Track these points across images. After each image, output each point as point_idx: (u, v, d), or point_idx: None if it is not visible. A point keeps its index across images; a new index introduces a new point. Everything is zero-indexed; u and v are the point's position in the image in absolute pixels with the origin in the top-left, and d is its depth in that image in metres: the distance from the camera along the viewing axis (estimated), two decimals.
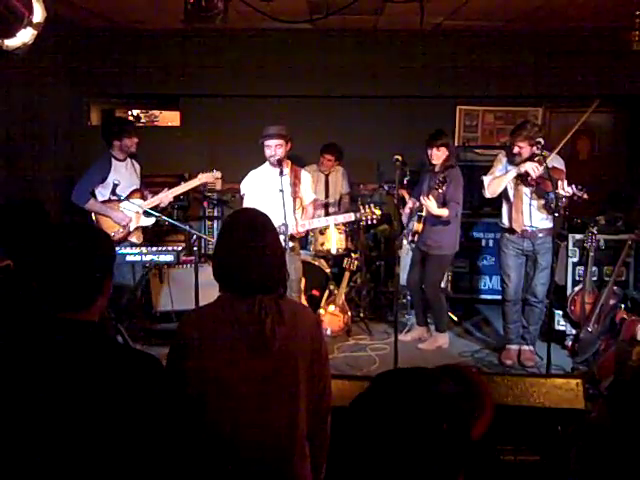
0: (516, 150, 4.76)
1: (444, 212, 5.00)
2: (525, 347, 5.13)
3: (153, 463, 1.57)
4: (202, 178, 5.36)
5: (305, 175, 4.94)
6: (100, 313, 1.69)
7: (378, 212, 4.82)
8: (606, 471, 1.61)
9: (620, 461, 1.56)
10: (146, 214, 5.17)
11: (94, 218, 5.15)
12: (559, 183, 4.54)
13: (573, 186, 4.52)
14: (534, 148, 4.65)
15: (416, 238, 5.21)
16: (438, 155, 5.12)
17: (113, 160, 5.20)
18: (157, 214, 5.11)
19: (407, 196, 5.70)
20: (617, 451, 1.58)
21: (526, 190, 4.85)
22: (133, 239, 5.26)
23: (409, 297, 6.02)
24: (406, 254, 5.80)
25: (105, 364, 1.57)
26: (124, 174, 5.24)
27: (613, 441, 1.62)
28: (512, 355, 5.13)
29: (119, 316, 5.20)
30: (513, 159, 4.86)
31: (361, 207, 4.85)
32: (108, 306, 5.07)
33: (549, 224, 4.83)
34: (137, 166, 5.42)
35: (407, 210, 5.50)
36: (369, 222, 4.88)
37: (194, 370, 1.91)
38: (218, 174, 5.37)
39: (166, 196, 5.27)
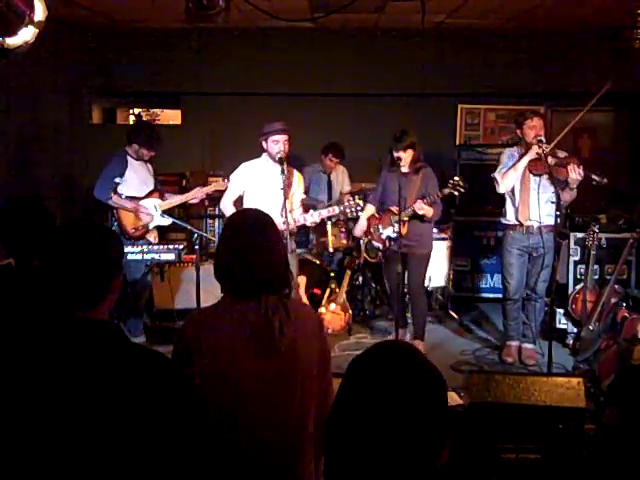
0: (532, 132, 4.83)
1: (431, 211, 4.93)
2: (527, 345, 5.13)
3: (163, 461, 1.56)
4: (213, 185, 5.47)
5: (297, 174, 4.93)
6: (109, 311, 1.68)
7: (360, 202, 4.73)
8: (616, 472, 1.60)
9: (629, 462, 1.56)
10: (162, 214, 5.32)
11: (115, 214, 5.24)
12: (571, 167, 4.60)
13: (586, 172, 4.62)
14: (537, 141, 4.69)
15: (391, 243, 5.04)
16: (405, 157, 4.92)
17: (129, 158, 5.30)
18: (168, 217, 5.24)
19: None
20: (627, 452, 1.58)
21: (534, 184, 4.85)
22: (151, 238, 5.38)
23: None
24: None
25: (115, 363, 1.56)
26: (140, 172, 5.36)
27: (622, 442, 1.62)
28: (513, 352, 5.13)
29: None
30: (521, 150, 4.92)
31: (344, 200, 4.82)
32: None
33: (552, 220, 4.78)
34: (150, 167, 5.50)
35: (364, 219, 5.19)
36: (354, 213, 4.79)
37: (199, 371, 1.90)
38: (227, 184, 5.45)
39: (181, 200, 5.46)
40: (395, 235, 4.95)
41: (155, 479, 1.54)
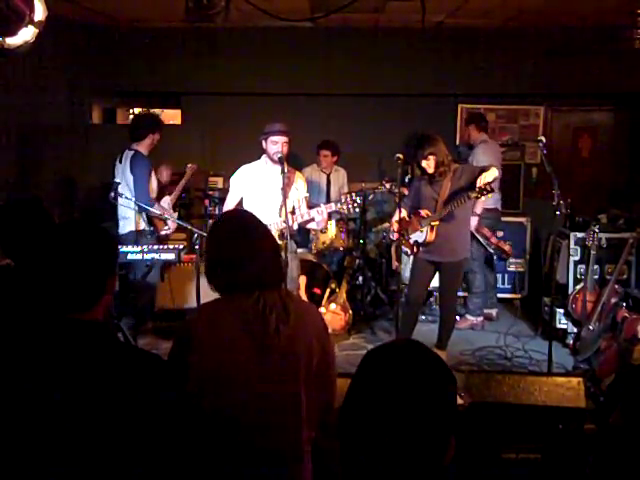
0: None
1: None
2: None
3: (155, 462, 1.56)
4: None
5: (297, 174, 4.91)
6: (105, 312, 1.68)
7: (358, 199, 4.61)
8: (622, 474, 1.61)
9: (631, 463, 1.57)
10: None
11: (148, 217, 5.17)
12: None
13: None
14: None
15: (420, 248, 4.87)
16: (429, 164, 4.74)
17: (145, 157, 5.16)
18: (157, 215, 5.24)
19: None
20: (628, 452, 1.59)
21: None
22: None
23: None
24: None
25: (110, 364, 1.56)
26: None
27: (623, 442, 1.63)
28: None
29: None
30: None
31: (342, 197, 4.77)
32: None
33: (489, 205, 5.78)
34: None
35: (394, 222, 5.03)
36: (351, 210, 4.71)
37: (196, 366, 1.91)
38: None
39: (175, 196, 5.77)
40: (422, 240, 4.79)
41: (146, 476, 1.55)
